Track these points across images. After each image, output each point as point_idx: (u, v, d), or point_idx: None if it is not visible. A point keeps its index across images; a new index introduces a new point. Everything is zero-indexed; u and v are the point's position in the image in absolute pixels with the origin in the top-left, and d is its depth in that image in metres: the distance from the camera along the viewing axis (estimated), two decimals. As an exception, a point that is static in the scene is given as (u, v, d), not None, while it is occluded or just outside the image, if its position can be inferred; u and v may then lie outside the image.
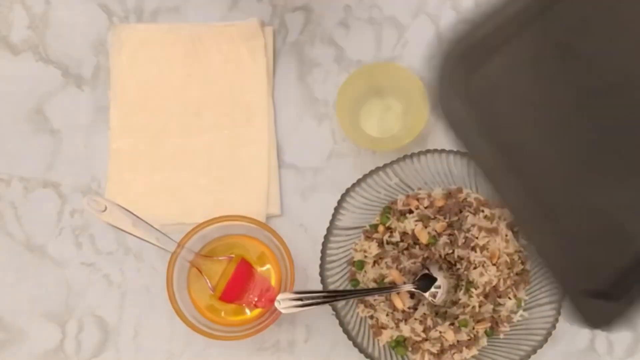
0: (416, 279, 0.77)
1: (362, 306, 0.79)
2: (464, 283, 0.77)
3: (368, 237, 0.80)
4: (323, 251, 0.77)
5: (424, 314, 0.77)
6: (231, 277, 0.76)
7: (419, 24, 0.87)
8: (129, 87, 0.85)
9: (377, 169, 0.78)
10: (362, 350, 0.75)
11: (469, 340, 0.77)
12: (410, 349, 0.77)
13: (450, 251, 0.78)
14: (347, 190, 0.78)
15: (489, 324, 0.77)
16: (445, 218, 0.78)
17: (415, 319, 0.77)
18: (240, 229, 0.79)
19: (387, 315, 0.78)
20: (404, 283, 0.77)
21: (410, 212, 0.79)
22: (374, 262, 0.79)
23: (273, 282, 0.79)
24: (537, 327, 0.76)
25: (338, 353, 0.80)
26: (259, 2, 0.87)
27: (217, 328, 0.77)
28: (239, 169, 0.84)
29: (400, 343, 0.77)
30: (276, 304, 0.71)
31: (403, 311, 0.78)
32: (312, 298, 0.72)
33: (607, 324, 0.50)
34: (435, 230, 0.78)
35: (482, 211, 0.79)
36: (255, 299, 0.77)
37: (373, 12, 0.87)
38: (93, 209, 0.72)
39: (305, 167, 0.84)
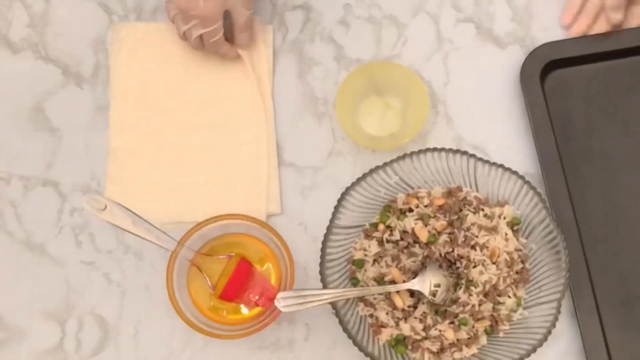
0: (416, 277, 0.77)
1: (361, 305, 0.79)
2: (463, 281, 0.77)
3: (368, 236, 0.80)
4: (323, 250, 0.77)
5: (424, 312, 0.77)
6: (231, 276, 0.76)
7: (418, 22, 0.87)
8: (128, 86, 0.85)
9: (377, 167, 0.78)
10: (362, 349, 0.75)
11: (469, 338, 0.77)
12: (410, 347, 0.77)
13: (450, 250, 0.78)
14: (347, 189, 0.78)
15: (489, 323, 0.77)
16: (445, 216, 0.78)
17: (415, 317, 0.77)
18: (240, 227, 0.79)
19: (386, 313, 0.78)
20: (404, 281, 0.77)
21: (410, 210, 0.79)
22: (374, 260, 0.79)
23: (273, 280, 0.79)
24: (537, 325, 0.76)
25: (338, 352, 0.80)
26: (258, 0, 0.87)
27: (216, 327, 0.77)
28: (238, 168, 0.84)
29: (400, 342, 0.77)
30: (276, 303, 0.71)
31: (403, 310, 0.77)
32: (312, 297, 0.72)
33: None
34: (435, 229, 0.78)
35: (482, 210, 0.78)
36: (255, 298, 0.76)
37: (373, 11, 0.87)
38: (93, 208, 0.72)
39: (305, 165, 0.84)
